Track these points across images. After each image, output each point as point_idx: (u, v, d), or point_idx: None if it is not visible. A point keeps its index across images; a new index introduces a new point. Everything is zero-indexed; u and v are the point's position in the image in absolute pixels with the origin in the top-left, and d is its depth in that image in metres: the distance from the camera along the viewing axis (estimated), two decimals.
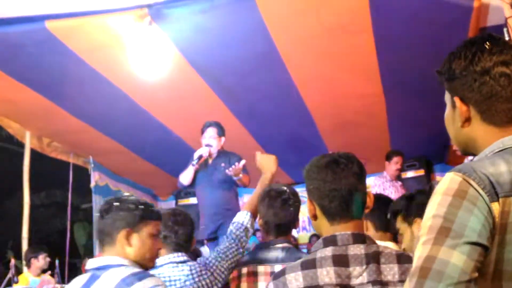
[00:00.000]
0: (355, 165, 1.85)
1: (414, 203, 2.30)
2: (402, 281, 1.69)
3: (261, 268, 2.80)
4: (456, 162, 8.38)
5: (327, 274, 1.67)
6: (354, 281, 1.68)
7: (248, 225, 3.07)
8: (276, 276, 1.74)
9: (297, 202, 2.95)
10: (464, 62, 1.38)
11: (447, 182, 1.27)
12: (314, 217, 1.86)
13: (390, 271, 1.70)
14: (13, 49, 4.66)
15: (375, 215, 3.09)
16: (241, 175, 5.15)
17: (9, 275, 5.78)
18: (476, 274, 1.17)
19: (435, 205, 1.24)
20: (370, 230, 3.11)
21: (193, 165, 5.33)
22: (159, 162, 7.92)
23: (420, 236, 1.24)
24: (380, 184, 6.94)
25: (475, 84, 1.36)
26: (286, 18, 4.51)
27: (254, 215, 3.11)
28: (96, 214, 2.42)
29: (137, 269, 2.15)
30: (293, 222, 2.95)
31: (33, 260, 6.59)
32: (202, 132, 5.46)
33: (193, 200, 10.17)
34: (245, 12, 4.41)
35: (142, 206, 2.31)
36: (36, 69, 5.04)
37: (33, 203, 6.96)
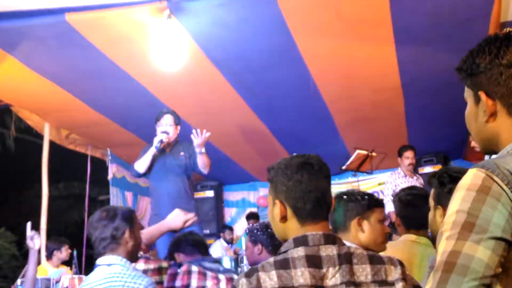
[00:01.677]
0: (325, 167, 1.84)
1: (446, 190, 2.28)
2: (374, 282, 1.69)
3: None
4: (473, 158, 8.34)
5: (301, 274, 1.65)
6: (328, 283, 1.66)
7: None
8: (248, 274, 1.69)
9: None
10: (489, 56, 1.37)
11: (470, 177, 1.26)
12: (284, 218, 1.81)
13: (363, 272, 1.69)
14: (33, 41, 4.71)
15: (408, 214, 3.08)
16: (203, 150, 5.08)
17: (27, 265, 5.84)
18: (500, 269, 1.17)
19: (459, 201, 1.24)
20: (401, 227, 3.12)
21: (156, 148, 5.17)
22: None
23: (443, 231, 1.24)
24: (392, 181, 6.92)
25: (501, 78, 1.35)
26: (305, 11, 4.50)
27: (147, 246, 3.34)
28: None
29: None
30: None
31: (55, 252, 6.66)
32: (158, 119, 5.30)
33: (209, 193, 10.24)
34: (264, 6, 4.41)
35: (367, 196, 2.63)
36: (55, 61, 5.09)
37: (51, 195, 7.01)
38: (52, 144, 6.95)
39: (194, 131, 5.00)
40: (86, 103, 6.10)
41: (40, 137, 7.01)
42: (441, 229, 1.26)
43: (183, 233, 4.23)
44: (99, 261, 2.83)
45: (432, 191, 2.35)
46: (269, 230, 3.86)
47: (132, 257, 2.91)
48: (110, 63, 5.10)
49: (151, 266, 3.30)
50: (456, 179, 2.21)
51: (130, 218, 2.94)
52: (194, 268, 3.31)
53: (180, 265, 3.39)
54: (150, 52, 4.71)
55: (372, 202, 2.64)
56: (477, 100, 1.41)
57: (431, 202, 2.33)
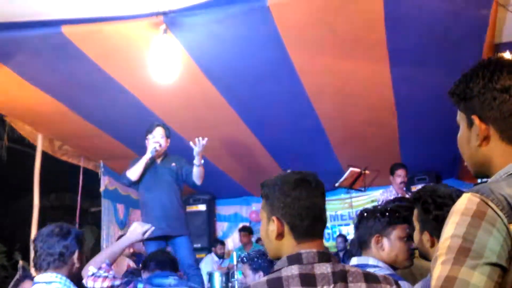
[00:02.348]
0: (322, 184, 1.82)
1: (431, 216, 2.25)
2: None
3: None
4: (466, 177, 8.37)
5: None
6: None
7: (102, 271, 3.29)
8: None
9: None
10: (482, 81, 1.38)
11: (464, 202, 1.26)
12: (281, 236, 1.77)
13: None
14: (29, 52, 4.70)
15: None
16: (202, 161, 5.19)
17: (17, 276, 5.78)
18: None
19: (454, 225, 1.23)
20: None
21: (152, 153, 5.27)
22: None
23: (438, 256, 1.24)
24: (383, 199, 6.91)
25: (494, 103, 1.36)
26: (301, 28, 4.52)
27: (111, 262, 3.36)
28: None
29: (388, 271, 2.35)
30: None
31: None
32: (150, 131, 5.40)
33: (201, 207, 10.19)
34: (260, 22, 4.42)
35: (388, 213, 2.58)
36: (51, 73, 5.08)
37: (42, 205, 6.95)
38: (44, 154, 6.92)
39: (196, 139, 5.11)
40: (80, 115, 6.09)
41: (33, 147, 6.98)
42: (435, 253, 1.26)
43: (152, 252, 4.32)
44: (38, 278, 2.73)
45: (415, 212, 2.32)
46: (268, 256, 3.91)
47: (73, 280, 2.81)
48: (105, 75, 5.10)
49: (105, 284, 3.31)
50: (442, 206, 2.20)
51: (82, 240, 2.88)
52: (140, 285, 3.34)
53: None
54: (145, 66, 4.71)
55: (393, 219, 2.60)
56: (470, 124, 1.42)
57: (415, 223, 2.31)
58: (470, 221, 1.21)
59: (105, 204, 8.25)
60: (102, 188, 8.16)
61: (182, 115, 6.25)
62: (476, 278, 1.15)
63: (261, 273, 3.87)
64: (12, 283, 5.73)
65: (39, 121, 6.40)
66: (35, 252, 2.76)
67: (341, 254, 9.19)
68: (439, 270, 1.20)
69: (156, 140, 5.35)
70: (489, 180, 1.37)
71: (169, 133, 5.50)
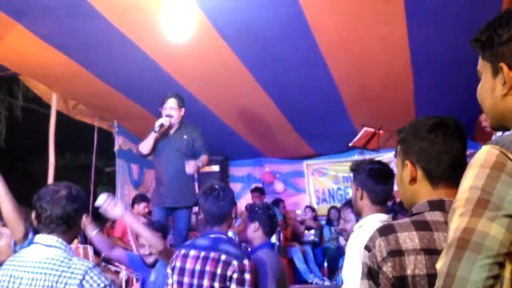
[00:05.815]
0: (462, 129, 1.73)
1: None
2: None
3: (192, 252, 3.20)
4: (482, 139, 8.29)
5: (444, 239, 1.54)
6: None
7: None
8: (384, 232, 1.60)
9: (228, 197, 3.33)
10: None
11: (483, 154, 1.24)
12: (414, 180, 1.72)
13: None
14: (44, 11, 4.67)
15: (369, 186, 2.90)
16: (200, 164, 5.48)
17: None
18: None
19: (472, 177, 1.22)
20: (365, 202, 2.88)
21: (154, 131, 5.39)
22: None
23: (456, 207, 1.23)
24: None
25: None
26: None
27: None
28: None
29: None
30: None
31: None
32: (163, 102, 5.52)
33: (214, 168, 10.23)
34: None
35: None
36: (65, 31, 5.06)
37: (58, 165, 7.02)
38: (59, 114, 6.95)
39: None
40: (94, 74, 6.08)
41: (48, 107, 7.00)
42: (453, 205, 1.25)
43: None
44: (38, 238, 2.49)
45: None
46: (270, 211, 3.90)
47: (71, 241, 2.62)
48: (119, 33, 5.06)
49: None
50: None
51: (88, 203, 2.78)
52: None
53: None
54: (159, 24, 4.68)
55: None
56: (495, 72, 1.37)
57: None
58: (489, 173, 1.20)
59: (120, 164, 8.31)
60: (116, 148, 8.20)
61: (195, 74, 6.21)
62: (495, 230, 1.14)
63: (256, 224, 3.79)
64: None
65: (53, 80, 6.40)
66: (38, 213, 2.50)
67: None
68: (457, 221, 1.20)
69: (167, 112, 5.45)
70: (509, 132, 1.34)
71: (182, 103, 5.56)
